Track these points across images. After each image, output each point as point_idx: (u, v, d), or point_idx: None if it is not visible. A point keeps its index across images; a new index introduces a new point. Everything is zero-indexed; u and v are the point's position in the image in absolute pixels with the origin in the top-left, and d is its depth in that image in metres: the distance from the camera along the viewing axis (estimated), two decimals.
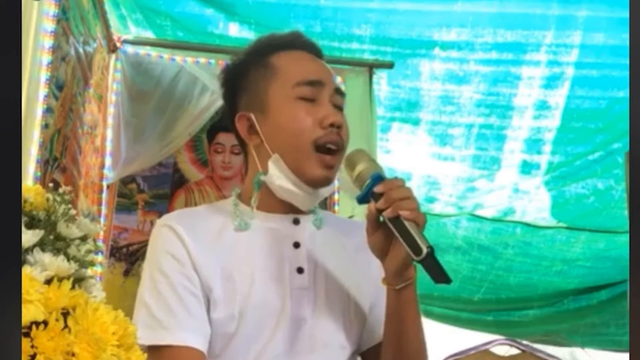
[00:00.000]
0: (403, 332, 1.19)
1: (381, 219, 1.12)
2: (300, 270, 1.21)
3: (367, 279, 1.25)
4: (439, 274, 1.06)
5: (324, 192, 1.25)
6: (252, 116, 1.24)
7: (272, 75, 1.24)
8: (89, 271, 0.83)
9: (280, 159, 1.21)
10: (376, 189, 1.11)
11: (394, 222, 1.09)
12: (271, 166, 1.21)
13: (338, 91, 1.27)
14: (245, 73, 1.28)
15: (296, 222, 1.25)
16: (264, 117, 1.23)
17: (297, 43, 1.30)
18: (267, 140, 1.23)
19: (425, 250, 1.05)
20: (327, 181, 1.23)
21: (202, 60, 3.11)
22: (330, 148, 1.21)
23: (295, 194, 1.22)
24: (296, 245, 1.23)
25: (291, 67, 1.25)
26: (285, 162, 1.21)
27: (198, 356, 1.13)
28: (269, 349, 1.16)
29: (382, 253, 1.15)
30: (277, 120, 1.22)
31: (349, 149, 1.23)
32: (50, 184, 0.94)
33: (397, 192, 1.10)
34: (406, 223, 1.07)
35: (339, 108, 1.26)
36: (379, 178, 1.12)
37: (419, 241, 1.06)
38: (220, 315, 1.15)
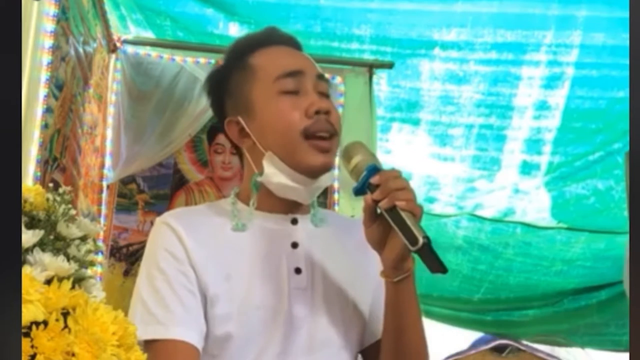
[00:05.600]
0: (402, 327, 1.19)
1: (378, 210, 1.11)
2: (298, 271, 1.21)
3: (366, 277, 1.25)
4: (436, 264, 1.05)
5: (324, 181, 1.23)
6: (240, 119, 1.24)
7: (252, 75, 1.24)
8: (89, 271, 0.83)
9: (274, 155, 1.20)
10: (372, 180, 1.11)
11: (390, 213, 1.09)
12: (266, 164, 1.21)
13: (321, 77, 1.26)
14: (227, 78, 1.28)
15: (294, 222, 1.25)
16: (252, 119, 1.23)
17: (274, 38, 1.30)
18: (259, 140, 1.23)
19: (421, 240, 1.04)
20: (326, 167, 1.21)
21: (202, 60, 3.11)
22: (322, 136, 1.20)
23: (294, 189, 1.21)
24: (294, 245, 1.23)
25: (269, 64, 1.24)
26: (279, 157, 1.20)
27: (193, 351, 1.13)
28: (267, 349, 1.16)
29: (379, 245, 1.15)
30: (264, 118, 1.22)
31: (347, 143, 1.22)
32: (50, 184, 0.94)
33: (394, 183, 1.09)
34: (402, 213, 1.07)
35: (324, 95, 1.25)
36: (375, 169, 1.12)
37: (415, 231, 1.05)
38: (218, 313, 1.15)
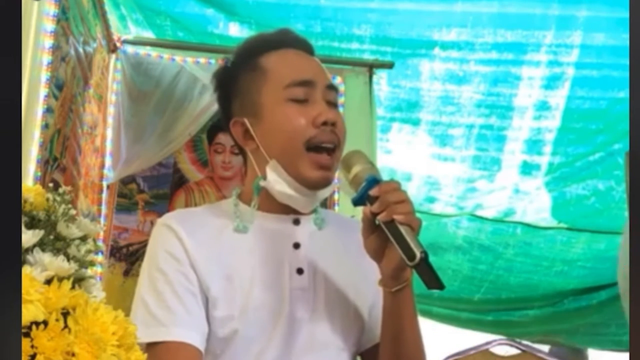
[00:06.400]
0: (400, 334, 1.18)
1: (377, 222, 1.11)
2: (300, 271, 1.21)
3: (368, 279, 1.24)
4: (432, 280, 1.04)
5: (324, 193, 1.24)
6: (246, 121, 1.24)
7: (262, 78, 1.23)
8: (89, 271, 0.83)
9: (278, 164, 1.20)
10: (371, 192, 1.10)
11: (388, 226, 1.08)
12: (269, 172, 1.21)
13: (330, 87, 1.25)
14: (236, 77, 1.27)
15: (296, 222, 1.25)
16: (258, 122, 1.23)
17: (286, 41, 1.29)
18: (263, 145, 1.22)
19: (419, 255, 1.04)
20: (325, 182, 1.21)
21: (202, 60, 3.10)
22: (326, 147, 1.20)
23: (295, 198, 1.21)
24: (296, 245, 1.23)
25: (281, 69, 1.24)
26: (282, 166, 1.20)
27: (194, 353, 1.13)
28: (268, 349, 1.16)
29: (377, 256, 1.14)
30: (270, 123, 1.21)
31: (347, 149, 1.22)
32: (50, 184, 0.94)
33: (392, 196, 1.09)
34: (401, 227, 1.06)
35: (333, 104, 1.24)
36: (374, 181, 1.11)
37: (413, 246, 1.05)
38: (220, 314, 1.15)
